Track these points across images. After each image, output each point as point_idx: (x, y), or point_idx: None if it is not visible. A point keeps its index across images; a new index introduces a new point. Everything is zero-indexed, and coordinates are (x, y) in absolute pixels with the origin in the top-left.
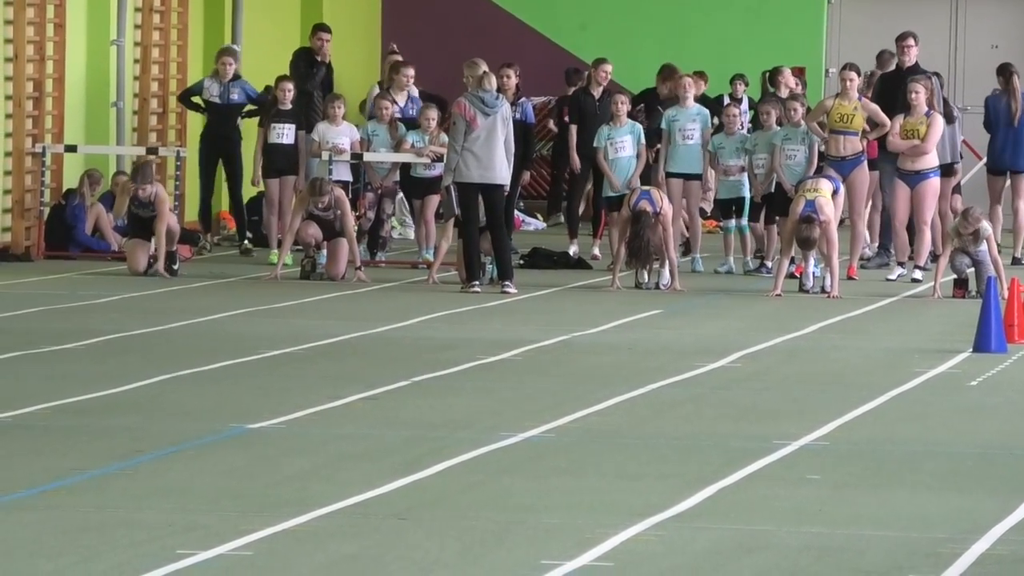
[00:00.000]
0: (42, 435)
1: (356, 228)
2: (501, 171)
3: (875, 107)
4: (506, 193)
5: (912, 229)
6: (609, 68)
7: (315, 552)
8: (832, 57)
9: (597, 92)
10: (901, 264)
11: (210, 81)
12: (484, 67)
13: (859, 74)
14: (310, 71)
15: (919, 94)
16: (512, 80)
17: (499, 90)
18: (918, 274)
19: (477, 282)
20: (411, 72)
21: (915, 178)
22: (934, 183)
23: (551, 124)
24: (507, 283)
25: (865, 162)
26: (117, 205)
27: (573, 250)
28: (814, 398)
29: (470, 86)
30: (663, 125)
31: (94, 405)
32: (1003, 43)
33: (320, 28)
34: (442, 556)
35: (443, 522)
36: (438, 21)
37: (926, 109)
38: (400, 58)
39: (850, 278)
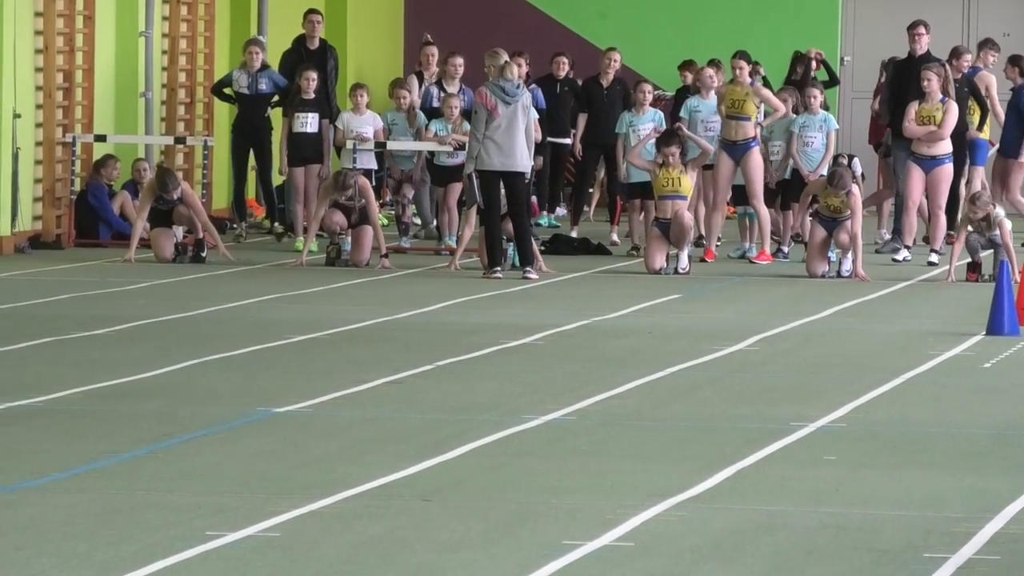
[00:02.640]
0: (73, 419)
1: (384, 219)
2: (522, 159)
3: (767, 93)
4: (527, 180)
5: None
6: (616, 56)
7: (342, 533)
8: (847, 45)
9: (606, 81)
10: (908, 247)
11: (239, 72)
12: (505, 57)
13: (748, 62)
14: (299, 57)
15: (932, 81)
16: (522, 68)
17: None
18: (934, 257)
19: (499, 268)
20: (460, 61)
21: (930, 163)
22: (948, 169)
23: None
24: (528, 268)
25: (757, 147)
26: (141, 206)
27: (574, 235)
28: (830, 381)
29: (491, 75)
30: (683, 115)
31: (124, 390)
32: (1015, 31)
33: (310, 11)
34: (466, 536)
35: (467, 503)
36: (460, 11)
37: (940, 96)
38: (435, 48)
39: (752, 262)
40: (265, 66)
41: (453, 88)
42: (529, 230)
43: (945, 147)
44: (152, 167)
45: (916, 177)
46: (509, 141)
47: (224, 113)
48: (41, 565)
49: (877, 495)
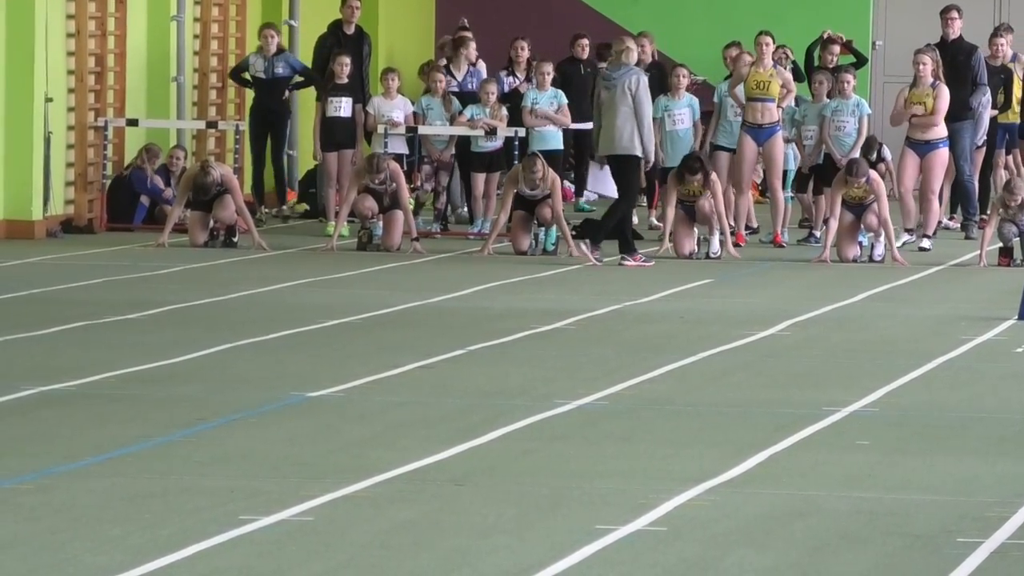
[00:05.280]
0: (107, 404)
1: (412, 201)
2: (622, 140)
3: (788, 75)
4: (650, 164)
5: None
6: (643, 43)
7: (375, 517)
8: (879, 29)
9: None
10: (908, 231)
11: (255, 57)
12: (627, 43)
13: (774, 40)
14: (335, 41)
15: (926, 65)
16: (525, 52)
17: (534, 60)
18: (926, 243)
19: (598, 253)
20: (472, 46)
21: (925, 147)
22: (943, 153)
23: None
24: (625, 256)
25: (780, 131)
26: (180, 195)
27: None
28: (863, 365)
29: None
30: (715, 99)
31: (157, 374)
32: None
33: None
34: (499, 521)
35: (499, 488)
36: None
37: (931, 80)
38: (469, 33)
39: (777, 245)
40: (281, 50)
41: (459, 72)
42: (627, 217)
43: (939, 132)
44: (187, 155)
45: (911, 163)
46: (609, 124)
47: (252, 97)
48: (75, 549)
49: (910, 480)
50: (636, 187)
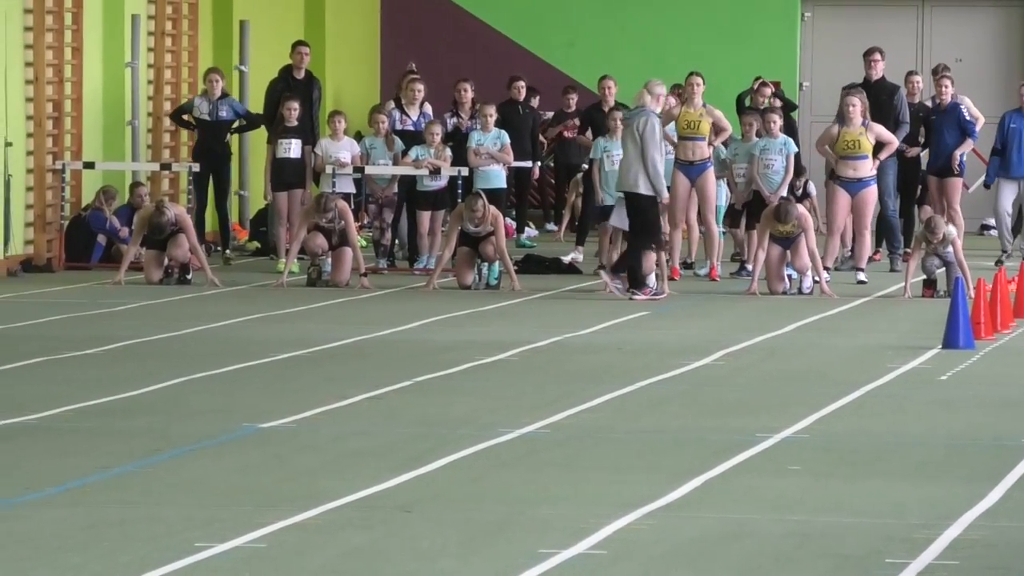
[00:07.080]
0: (66, 436)
1: (364, 240)
2: (628, 178)
3: (718, 113)
4: (663, 201)
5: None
6: (610, 84)
7: (325, 544)
8: (806, 71)
9: (607, 107)
10: (827, 268)
11: (200, 99)
12: (648, 86)
13: (704, 81)
14: (285, 86)
15: (856, 107)
16: (468, 94)
17: (477, 102)
18: (862, 276)
19: (631, 289)
20: (421, 87)
21: (856, 185)
22: (873, 190)
23: (567, 133)
24: (633, 291)
25: (711, 167)
26: (135, 234)
27: (572, 256)
28: (794, 393)
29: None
30: (593, 155)
31: (115, 407)
32: (967, 56)
33: (298, 43)
34: (446, 546)
35: (446, 514)
36: (434, 41)
37: (862, 120)
38: (416, 75)
39: (712, 279)
40: (225, 94)
41: (413, 112)
42: (636, 253)
43: (869, 169)
44: (149, 193)
45: (842, 201)
46: (623, 164)
47: (189, 138)
48: None
49: (840, 503)
50: (650, 224)
